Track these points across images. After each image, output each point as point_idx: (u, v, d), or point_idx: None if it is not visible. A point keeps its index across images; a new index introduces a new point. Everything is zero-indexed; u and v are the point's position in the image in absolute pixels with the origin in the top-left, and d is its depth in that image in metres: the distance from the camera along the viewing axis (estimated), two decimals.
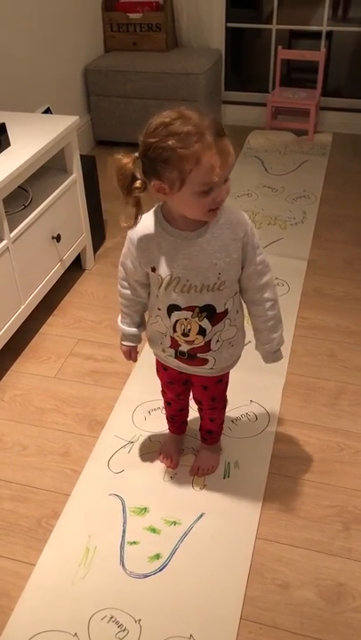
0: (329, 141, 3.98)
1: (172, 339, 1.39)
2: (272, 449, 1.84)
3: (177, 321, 1.35)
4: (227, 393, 1.64)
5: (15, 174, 1.94)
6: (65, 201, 2.36)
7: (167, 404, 1.74)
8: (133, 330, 1.49)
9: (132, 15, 3.79)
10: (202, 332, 1.35)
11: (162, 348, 1.45)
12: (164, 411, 1.80)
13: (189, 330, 1.35)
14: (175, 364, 1.47)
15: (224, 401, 1.67)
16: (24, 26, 2.92)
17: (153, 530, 1.62)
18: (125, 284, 1.42)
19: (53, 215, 2.27)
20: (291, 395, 2.03)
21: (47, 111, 2.79)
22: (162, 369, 1.58)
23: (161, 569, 1.53)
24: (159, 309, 1.37)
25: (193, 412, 1.77)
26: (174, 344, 1.40)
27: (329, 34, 4.19)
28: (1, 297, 2.00)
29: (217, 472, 1.77)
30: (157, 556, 1.55)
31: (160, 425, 1.85)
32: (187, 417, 1.80)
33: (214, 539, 1.59)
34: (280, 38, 4.17)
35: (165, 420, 1.80)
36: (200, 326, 1.34)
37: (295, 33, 4.57)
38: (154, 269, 1.30)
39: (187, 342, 1.38)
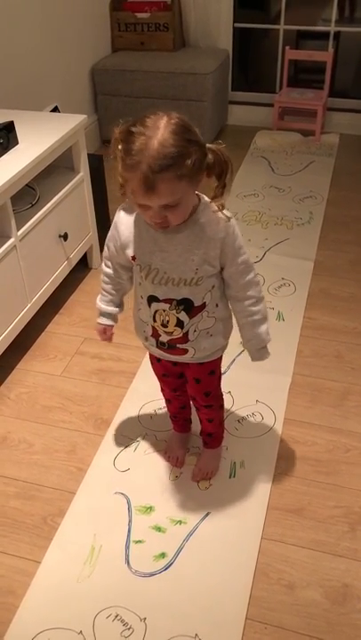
0: (336, 142, 3.98)
1: (153, 328, 1.41)
2: (278, 449, 1.83)
3: (156, 311, 1.37)
4: (222, 389, 1.65)
5: (23, 172, 1.95)
6: (72, 200, 2.36)
7: (168, 401, 1.75)
8: (111, 308, 1.51)
9: (139, 15, 3.80)
10: (180, 324, 1.37)
11: (145, 337, 1.47)
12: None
13: (168, 321, 1.37)
14: (158, 352, 1.49)
15: (219, 399, 1.66)
16: (33, 25, 2.93)
17: (158, 529, 1.62)
18: (109, 263, 1.44)
19: (60, 214, 2.28)
20: (297, 395, 2.03)
21: (55, 110, 2.80)
22: (155, 361, 1.60)
23: (166, 568, 1.53)
24: (141, 297, 1.39)
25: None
26: (155, 333, 1.42)
27: (337, 34, 4.18)
28: (8, 295, 2.00)
29: (223, 472, 1.77)
30: (163, 555, 1.55)
31: (166, 424, 1.85)
32: (189, 415, 1.80)
33: (220, 538, 1.59)
34: (288, 39, 4.17)
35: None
36: (178, 318, 1.36)
37: (303, 33, 4.56)
38: (134, 258, 1.32)
39: (166, 333, 1.40)
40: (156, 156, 1.06)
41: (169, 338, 1.40)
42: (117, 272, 1.45)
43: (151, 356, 1.60)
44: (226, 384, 2.03)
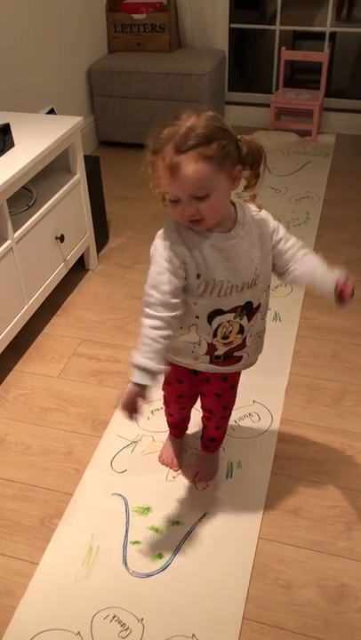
0: (333, 142, 3.99)
1: (210, 345, 1.34)
2: (275, 449, 1.84)
3: (219, 325, 1.31)
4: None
5: (19, 175, 1.95)
6: (69, 201, 2.36)
7: (169, 414, 1.73)
8: (160, 366, 1.22)
9: (135, 16, 3.80)
10: (241, 330, 1.34)
11: (193, 357, 1.38)
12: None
13: (230, 331, 1.33)
14: (205, 367, 1.42)
15: (230, 409, 1.66)
16: (28, 26, 2.93)
17: (156, 530, 1.62)
18: (162, 309, 1.21)
19: (57, 215, 2.28)
20: (294, 395, 2.03)
21: (51, 112, 2.80)
22: (175, 382, 1.52)
23: (163, 568, 1.53)
24: (197, 317, 1.29)
25: (196, 414, 1.77)
26: (210, 350, 1.35)
27: (333, 35, 4.19)
28: (5, 297, 2.01)
29: (220, 472, 1.77)
30: (160, 556, 1.56)
31: (163, 425, 1.85)
32: (188, 423, 1.80)
33: (217, 539, 1.59)
34: (283, 39, 4.18)
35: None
36: (240, 325, 1.34)
37: (299, 34, 4.57)
38: (198, 276, 1.24)
39: (224, 345, 1.35)
40: (182, 135, 1.07)
41: (227, 349, 1.36)
42: (177, 307, 1.23)
43: (173, 378, 1.51)
44: None
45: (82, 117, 2.36)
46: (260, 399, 2.01)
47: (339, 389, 2.05)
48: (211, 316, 1.29)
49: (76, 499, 1.70)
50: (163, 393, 1.64)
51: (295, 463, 1.80)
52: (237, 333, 1.35)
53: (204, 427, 1.72)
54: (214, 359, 1.38)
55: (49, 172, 2.35)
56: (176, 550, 1.57)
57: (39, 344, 2.28)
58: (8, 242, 1.98)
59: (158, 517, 1.65)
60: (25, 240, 2.08)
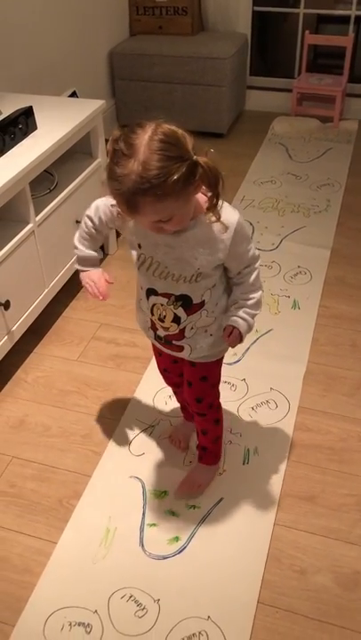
0: (355, 129, 3.93)
1: (152, 321, 1.41)
2: (292, 437, 1.85)
3: (154, 305, 1.36)
4: (220, 402, 1.60)
5: (41, 158, 1.96)
6: (89, 185, 2.37)
7: (174, 392, 1.76)
8: (93, 253, 1.43)
9: None
10: (176, 320, 1.35)
11: (146, 327, 1.46)
12: None
13: (164, 316, 1.36)
14: (157, 345, 1.49)
15: (214, 411, 1.59)
16: (49, 9, 2.91)
17: (172, 513, 1.64)
18: (101, 221, 1.36)
19: (78, 199, 2.28)
20: (312, 383, 2.03)
21: (73, 94, 2.79)
22: (157, 354, 1.61)
23: (180, 551, 1.55)
24: (141, 288, 1.38)
25: None
26: (153, 326, 1.41)
27: (358, 18, 4.11)
28: (26, 280, 2.02)
29: (236, 458, 1.78)
30: (176, 539, 1.58)
31: (180, 410, 1.87)
32: None
33: (233, 524, 1.61)
34: (307, 23, 4.11)
35: None
36: (175, 314, 1.34)
37: (322, 17, 4.50)
38: (140, 246, 1.28)
39: (162, 327, 1.39)
40: (136, 180, 1.02)
41: (165, 333, 1.39)
42: (102, 228, 1.38)
43: (154, 349, 1.60)
44: (240, 372, 2.06)
45: (104, 101, 2.36)
46: (278, 387, 2.01)
47: (357, 378, 2.05)
48: (148, 293, 1.35)
49: (94, 480, 1.73)
50: None
51: (312, 451, 1.81)
52: (172, 322, 1.36)
53: (196, 432, 1.69)
54: (157, 338, 1.44)
55: (70, 156, 2.35)
56: (192, 534, 1.59)
57: (59, 327, 2.30)
58: (30, 225, 1.99)
59: (175, 501, 1.67)
60: (46, 223, 2.09)
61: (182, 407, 1.81)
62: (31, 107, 2.06)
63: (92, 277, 1.43)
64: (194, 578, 1.49)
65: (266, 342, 2.18)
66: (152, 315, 1.38)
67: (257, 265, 1.35)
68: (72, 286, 2.44)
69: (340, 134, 3.87)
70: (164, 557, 1.54)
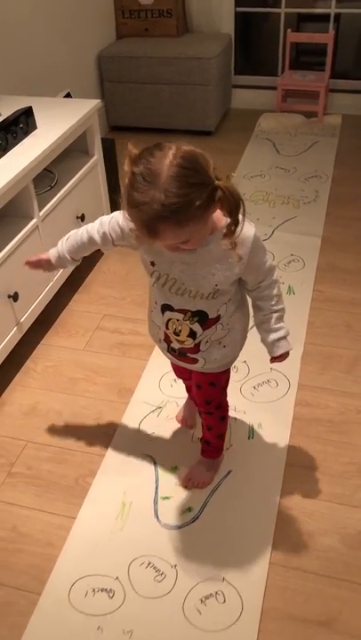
0: (339, 123, 4.05)
1: (165, 334, 1.41)
2: (293, 412, 1.94)
3: (169, 320, 1.36)
4: (227, 398, 1.62)
5: (43, 155, 2.04)
6: (88, 182, 2.45)
7: (182, 380, 1.81)
8: (68, 257, 1.45)
9: (143, 1, 3.87)
10: (192, 334, 1.36)
11: (158, 339, 1.46)
12: None
13: (180, 331, 1.36)
14: (169, 357, 1.50)
15: (221, 409, 1.62)
16: (40, 15, 3.00)
17: (183, 486, 1.72)
18: (106, 234, 1.35)
19: (77, 195, 2.37)
20: (310, 362, 2.13)
21: (68, 95, 2.88)
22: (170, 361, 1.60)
23: (193, 520, 1.64)
24: (155, 303, 1.37)
25: None
26: (167, 339, 1.42)
27: (337, 16, 4.24)
28: (32, 273, 2.09)
29: (241, 434, 1.87)
30: (189, 509, 1.66)
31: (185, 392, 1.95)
32: None
33: (242, 493, 1.70)
34: (288, 22, 4.23)
35: None
36: (191, 329, 1.35)
37: (303, 16, 4.61)
38: (153, 263, 1.28)
39: (177, 341, 1.39)
40: (157, 208, 1.02)
41: (180, 346, 1.40)
42: (108, 246, 1.39)
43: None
44: (241, 354, 2.13)
45: (99, 100, 2.45)
46: (278, 366, 2.08)
47: (353, 356, 2.15)
48: (163, 308, 1.35)
49: (107, 459, 1.81)
50: None
51: (313, 424, 1.90)
52: (188, 336, 1.36)
53: (202, 426, 1.71)
54: (171, 350, 1.44)
55: (68, 154, 2.43)
56: (204, 504, 1.67)
57: (64, 320, 2.38)
58: (34, 220, 2.07)
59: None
60: (49, 218, 2.17)
61: (189, 389, 1.87)
62: (31, 107, 2.14)
63: (39, 256, 1.52)
64: (208, 544, 1.58)
65: None
66: (167, 329, 1.38)
67: (275, 276, 1.37)
68: (75, 280, 2.53)
69: (324, 128, 3.98)
70: (179, 527, 1.62)
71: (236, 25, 4.19)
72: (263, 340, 1.46)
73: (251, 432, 1.88)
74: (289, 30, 4.05)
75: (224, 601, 1.46)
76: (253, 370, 2.09)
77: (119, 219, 1.32)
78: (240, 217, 1.14)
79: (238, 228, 1.16)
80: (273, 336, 1.42)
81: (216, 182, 1.07)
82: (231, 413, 1.91)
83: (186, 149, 1.05)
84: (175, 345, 1.41)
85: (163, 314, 1.36)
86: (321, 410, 1.95)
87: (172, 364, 1.65)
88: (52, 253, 1.49)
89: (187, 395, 1.91)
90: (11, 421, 1.95)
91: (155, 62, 3.73)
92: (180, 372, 1.70)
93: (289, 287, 2.49)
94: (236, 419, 1.92)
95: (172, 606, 1.45)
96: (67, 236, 1.46)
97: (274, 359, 1.47)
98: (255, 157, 3.60)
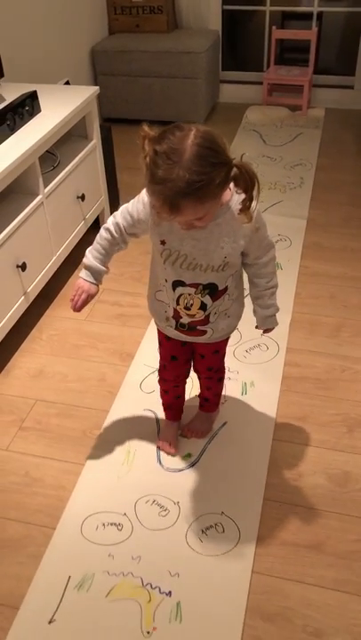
0: (322, 116, 4.24)
1: (175, 310, 1.46)
2: (283, 371, 2.10)
3: (180, 295, 1.41)
4: (225, 360, 1.73)
5: (48, 136, 2.18)
6: (87, 164, 2.60)
7: (164, 392, 1.81)
8: (104, 268, 1.48)
9: None
10: (203, 307, 1.43)
11: (165, 317, 1.51)
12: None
13: (192, 304, 1.42)
14: (174, 333, 1.54)
15: (219, 372, 1.75)
16: (38, 11, 3.14)
17: (184, 435, 1.87)
18: (120, 228, 1.41)
19: (78, 176, 2.51)
20: (297, 329, 2.29)
21: (67, 84, 3.01)
22: (165, 340, 1.63)
23: (193, 464, 1.78)
24: (165, 280, 1.42)
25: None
26: (176, 315, 1.47)
27: (320, 14, 4.42)
28: (37, 247, 2.24)
29: (235, 390, 2.02)
30: (189, 455, 1.81)
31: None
32: (183, 404, 1.86)
33: (237, 440, 1.85)
34: (273, 19, 4.41)
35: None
36: (202, 302, 1.42)
37: (287, 14, 4.80)
38: (163, 242, 1.34)
39: (188, 315, 1.45)
40: (181, 185, 1.07)
41: (190, 320, 1.46)
42: (123, 237, 1.44)
43: (160, 336, 1.64)
44: None
45: (97, 87, 2.59)
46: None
47: (336, 323, 2.31)
48: (174, 285, 1.41)
49: (112, 414, 1.95)
50: (159, 368, 1.75)
51: (301, 382, 2.06)
52: (199, 309, 1.43)
53: (200, 386, 1.82)
54: (180, 326, 1.50)
55: (69, 138, 2.58)
56: (203, 450, 1.82)
57: (65, 294, 2.51)
58: (40, 196, 2.21)
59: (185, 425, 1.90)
60: (53, 196, 2.31)
61: (166, 407, 1.85)
62: (35, 91, 2.28)
63: (86, 290, 1.48)
64: (207, 484, 1.73)
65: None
66: (177, 305, 1.44)
67: (273, 254, 1.46)
68: (75, 257, 2.65)
69: (308, 121, 4.16)
70: (180, 470, 1.77)
71: (224, 22, 4.36)
72: (255, 313, 1.57)
73: (244, 389, 2.03)
74: (274, 27, 4.22)
75: (223, 531, 1.61)
76: (245, 336, 2.25)
77: (128, 207, 1.40)
78: (255, 193, 1.20)
79: (253, 204, 1.22)
80: (265, 312, 1.54)
81: (233, 161, 1.15)
82: (225, 374, 2.06)
83: (205, 130, 1.12)
84: (185, 320, 1.47)
85: (174, 290, 1.41)
86: (308, 369, 2.11)
87: (166, 359, 1.68)
88: (82, 274, 1.50)
89: (165, 414, 1.87)
90: (20, 383, 2.09)
91: (146, 57, 3.88)
92: (177, 363, 1.68)
93: (277, 263, 2.61)
94: (230, 378, 2.07)
95: (176, 536, 1.59)
96: (88, 249, 1.50)
97: (263, 331, 1.61)
98: (243, 147, 3.77)
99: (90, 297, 1.50)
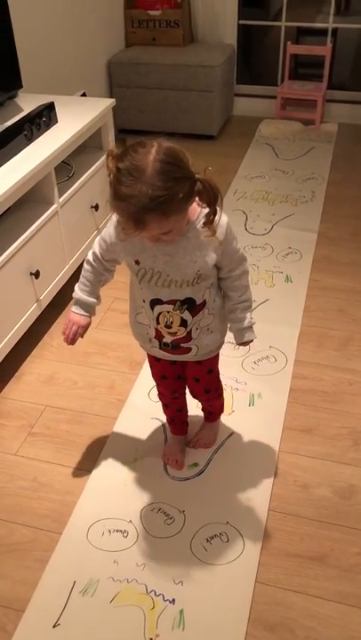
0: (335, 131, 4.27)
1: (157, 330, 1.45)
2: (290, 383, 2.11)
3: (160, 313, 1.41)
4: (220, 379, 1.73)
5: (64, 146, 2.22)
6: (101, 175, 2.63)
7: (165, 406, 1.81)
8: (92, 299, 1.51)
9: (151, 12, 4.08)
10: (183, 323, 1.42)
11: (148, 339, 1.51)
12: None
13: (172, 322, 1.42)
14: (161, 354, 1.54)
15: (217, 390, 1.75)
16: (56, 24, 3.20)
17: (191, 446, 1.89)
18: (99, 256, 1.44)
19: (92, 187, 2.55)
20: (305, 342, 2.30)
21: (83, 95, 3.07)
22: (154, 362, 1.64)
23: (199, 474, 1.80)
24: (143, 301, 1.42)
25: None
26: (158, 335, 1.46)
27: (335, 30, 4.47)
28: (51, 255, 2.28)
29: (242, 401, 2.04)
30: (195, 465, 1.83)
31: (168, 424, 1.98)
32: (186, 417, 1.86)
33: (244, 451, 1.87)
34: (288, 35, 4.45)
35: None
36: (182, 318, 1.41)
37: (303, 30, 4.85)
38: (137, 262, 1.35)
39: (170, 334, 1.44)
40: (144, 200, 1.09)
41: (173, 338, 1.46)
42: (103, 265, 1.46)
43: (150, 358, 1.65)
44: None
45: (114, 100, 2.63)
46: (276, 345, 2.28)
47: (345, 337, 2.33)
48: (152, 303, 1.41)
49: (120, 421, 1.97)
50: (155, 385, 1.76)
51: (308, 394, 2.07)
52: (180, 325, 1.43)
53: (201, 402, 1.84)
54: (163, 346, 1.49)
55: (84, 149, 2.62)
56: (209, 460, 1.84)
57: None
58: (54, 205, 2.25)
59: (191, 436, 1.91)
60: (67, 205, 2.35)
61: (172, 421, 1.85)
62: (53, 102, 2.33)
63: (76, 322, 1.51)
64: (212, 494, 1.74)
65: (263, 310, 2.45)
66: (158, 324, 1.43)
67: (246, 267, 1.46)
68: None
69: (321, 135, 4.19)
70: (186, 479, 1.79)
71: (239, 37, 4.41)
72: (230, 328, 1.56)
73: (251, 400, 2.05)
74: (289, 42, 4.27)
75: (227, 540, 1.62)
76: (253, 347, 2.26)
77: (102, 234, 1.42)
78: (218, 207, 1.23)
79: (217, 217, 1.26)
80: (237, 325, 1.52)
81: (196, 176, 1.17)
82: (233, 384, 2.09)
83: (167, 146, 1.14)
84: (167, 339, 1.46)
85: (152, 309, 1.41)
86: (316, 382, 2.12)
87: (157, 378, 1.70)
88: (72, 309, 1.53)
89: (170, 428, 1.87)
90: (30, 389, 2.12)
91: (162, 69, 3.94)
92: (168, 381, 1.69)
93: (287, 276, 2.68)
94: (237, 389, 2.09)
95: (181, 544, 1.61)
96: (76, 284, 1.53)
97: (240, 344, 1.57)
98: (256, 160, 3.80)
99: (82, 329, 1.52)
